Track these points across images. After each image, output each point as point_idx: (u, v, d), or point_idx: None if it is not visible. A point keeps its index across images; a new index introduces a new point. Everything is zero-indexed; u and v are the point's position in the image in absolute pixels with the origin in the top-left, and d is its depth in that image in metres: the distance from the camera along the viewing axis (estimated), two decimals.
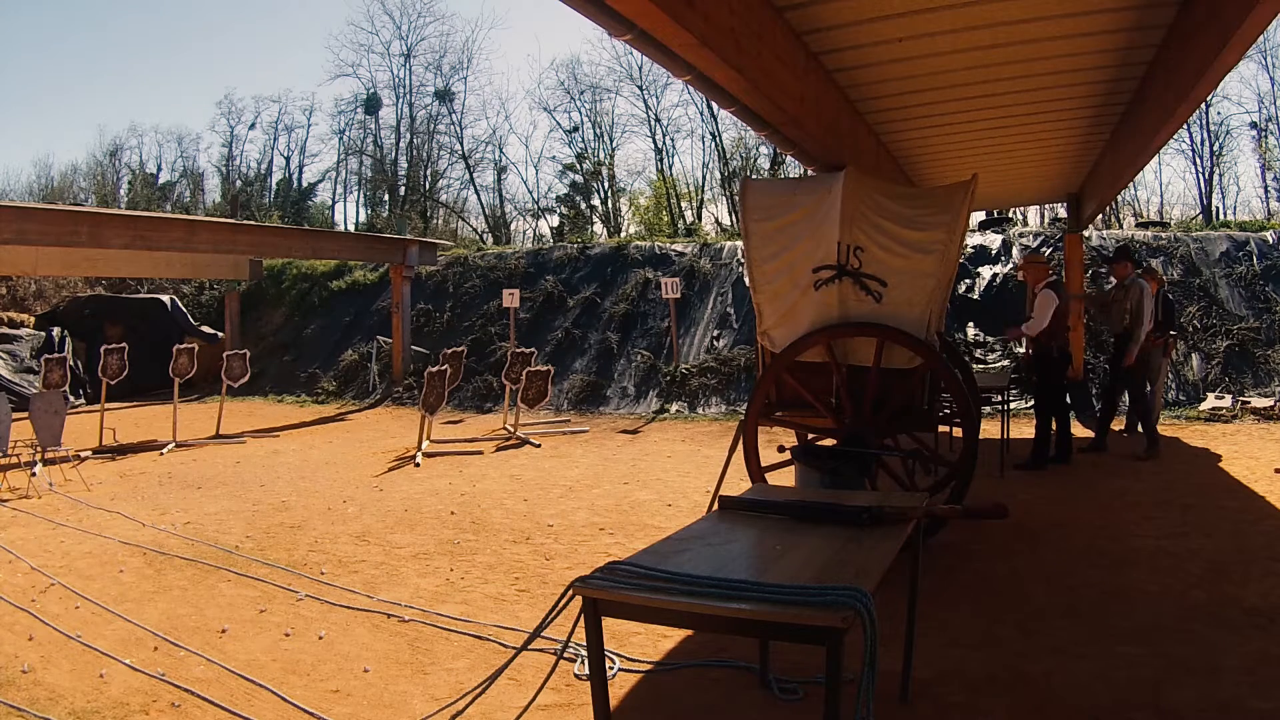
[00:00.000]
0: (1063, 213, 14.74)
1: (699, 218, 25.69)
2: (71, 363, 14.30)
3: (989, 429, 8.33)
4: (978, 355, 11.97)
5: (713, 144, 26.52)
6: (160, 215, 15.55)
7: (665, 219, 25.72)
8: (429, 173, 30.40)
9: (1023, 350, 10.92)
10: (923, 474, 6.00)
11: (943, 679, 3.39)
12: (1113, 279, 8.40)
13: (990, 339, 12.21)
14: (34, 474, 8.19)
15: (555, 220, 28.43)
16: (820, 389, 5.16)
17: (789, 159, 14.95)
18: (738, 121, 11.52)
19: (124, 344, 11.13)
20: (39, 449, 8.44)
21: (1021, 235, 14.20)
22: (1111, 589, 4.40)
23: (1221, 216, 20.31)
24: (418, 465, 8.78)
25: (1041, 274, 7.57)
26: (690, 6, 3.45)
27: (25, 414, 8.79)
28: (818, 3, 4.48)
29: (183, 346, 11.37)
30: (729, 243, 15.34)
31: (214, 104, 50.50)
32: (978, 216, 14.93)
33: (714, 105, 12.18)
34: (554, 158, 35.60)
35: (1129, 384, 7.92)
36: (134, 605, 4.56)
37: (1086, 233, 12.63)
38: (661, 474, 8.10)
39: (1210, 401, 10.32)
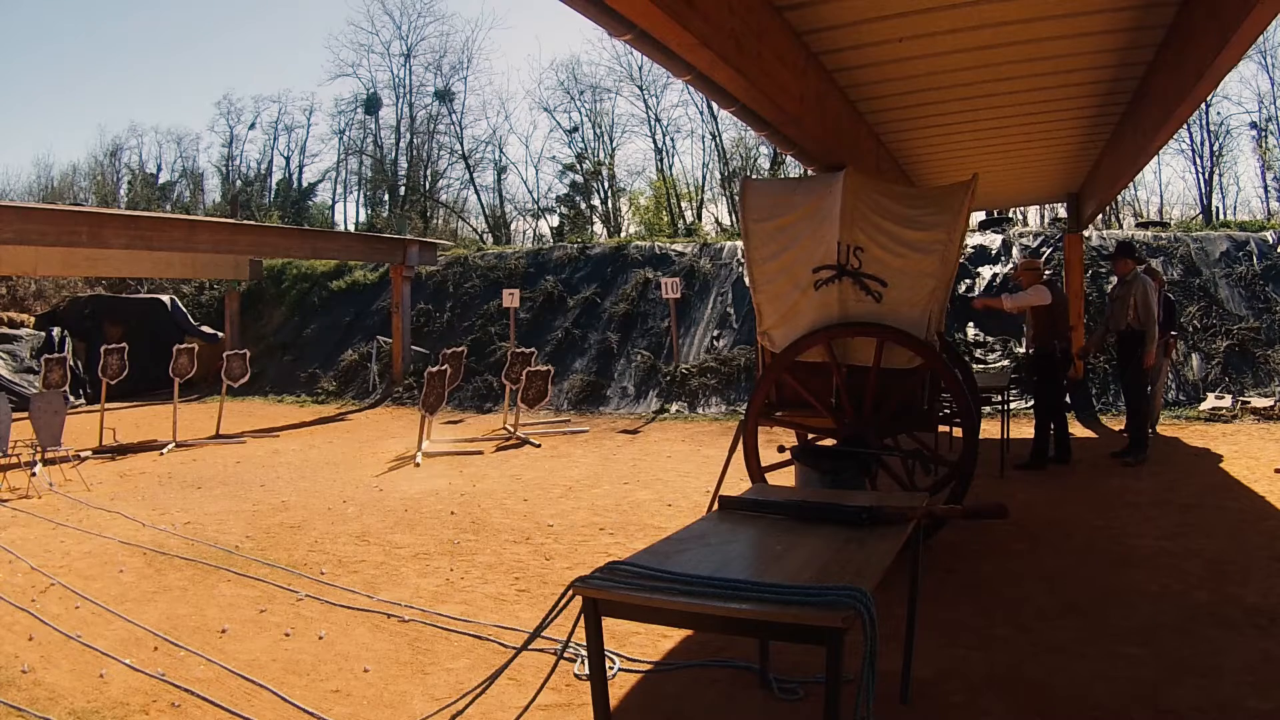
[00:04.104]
0: (1063, 213, 14.73)
1: (699, 218, 25.70)
2: (71, 363, 14.30)
3: (989, 429, 8.33)
4: (978, 355, 11.98)
5: (713, 144, 26.57)
6: (160, 215, 15.55)
7: (665, 219, 25.73)
8: (429, 173, 30.41)
9: (1023, 350, 10.93)
10: (923, 474, 6.00)
11: (943, 679, 3.39)
12: (1114, 277, 8.37)
13: (990, 339, 12.21)
14: (34, 474, 8.19)
15: (555, 220, 28.46)
16: (820, 389, 5.16)
17: (789, 159, 14.95)
18: (738, 121, 11.52)
19: (124, 344, 11.12)
20: (39, 449, 8.44)
21: (1021, 235, 14.20)
22: (1111, 589, 4.40)
23: (1221, 216, 20.31)
24: (418, 465, 8.79)
25: (1035, 278, 7.62)
26: (690, 6, 3.44)
27: (25, 414, 8.79)
28: (818, 3, 4.48)
29: (183, 346, 11.36)
30: (729, 243, 15.33)
31: (214, 104, 50.51)
32: (978, 216, 14.94)
33: (714, 105, 12.18)
34: (554, 158, 35.59)
35: (1136, 383, 7.84)
36: (134, 605, 4.56)
37: (1086, 233, 12.63)
38: (661, 474, 8.10)
39: (1210, 401, 10.32)
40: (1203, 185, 23.72)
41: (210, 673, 3.67)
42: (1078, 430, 9.53)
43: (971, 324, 12.45)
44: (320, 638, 4.06)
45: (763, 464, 5.25)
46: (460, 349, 12.24)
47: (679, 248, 15.64)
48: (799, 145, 5.66)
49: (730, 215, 24.75)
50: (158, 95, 47.51)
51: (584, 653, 3.19)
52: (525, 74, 49.75)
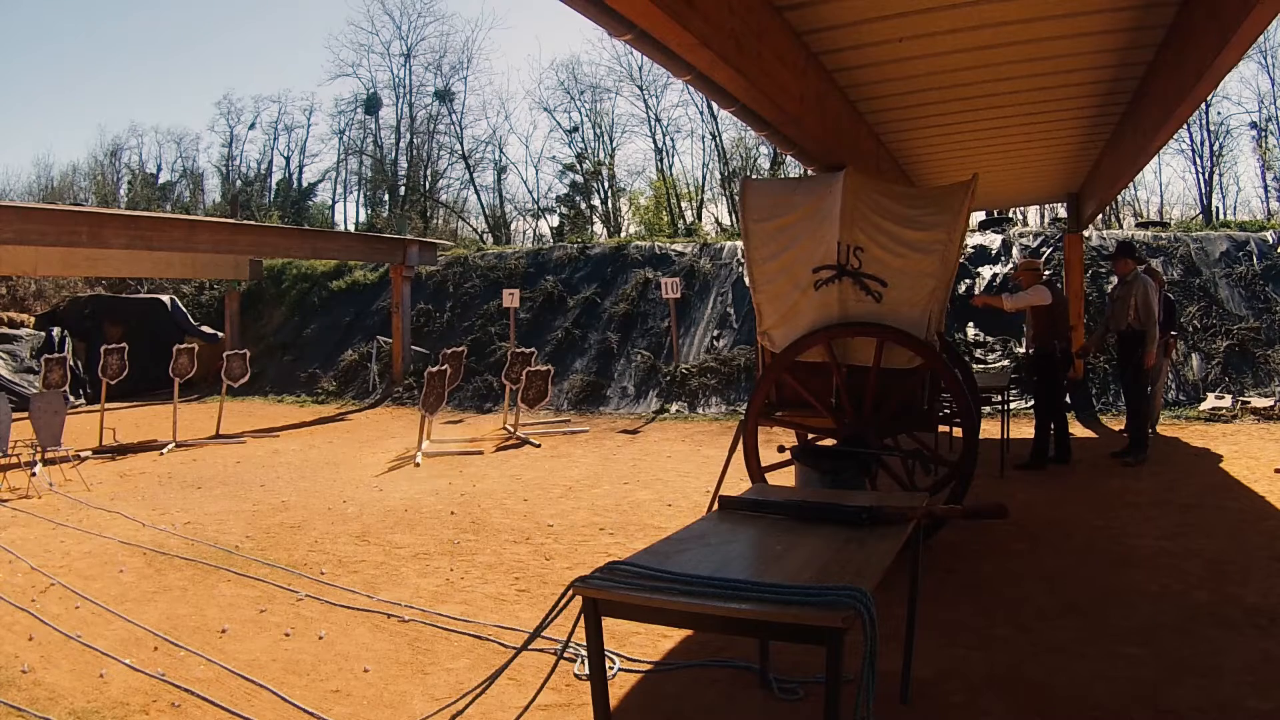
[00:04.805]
0: (1063, 213, 14.73)
1: (699, 218, 25.70)
2: (71, 363, 14.29)
3: (989, 429, 8.33)
4: (978, 355, 11.98)
5: (713, 144, 26.57)
6: (160, 215, 15.55)
7: (665, 219, 25.73)
8: (429, 173, 30.42)
9: (1023, 350, 10.93)
10: (923, 474, 6.00)
11: (943, 679, 3.39)
12: (1115, 277, 8.37)
13: (990, 339, 12.21)
14: (34, 474, 8.19)
15: (555, 220, 28.46)
16: (820, 389, 5.16)
17: (789, 159, 14.95)
18: (738, 121, 11.52)
19: (124, 344, 11.12)
20: (39, 449, 8.44)
21: (1021, 235, 14.20)
22: (1111, 589, 4.40)
23: (1221, 216, 20.32)
24: (418, 465, 8.78)
25: (1035, 278, 7.62)
26: (690, 6, 3.45)
27: (25, 414, 8.79)
28: (818, 3, 4.48)
29: (183, 346, 11.36)
30: (729, 243, 15.33)
31: (214, 104, 50.52)
32: (978, 216, 14.94)
33: (714, 105, 12.19)
34: (554, 158, 35.61)
35: (1136, 383, 7.83)
36: (134, 605, 4.56)
37: (1086, 233, 12.63)
38: (661, 474, 8.10)
39: (1210, 401, 10.32)
40: (1203, 185, 23.75)
41: (210, 673, 3.67)
42: (1078, 430, 9.53)
43: (971, 324, 12.45)
44: (320, 638, 4.06)
45: (763, 464, 5.25)
46: (460, 349, 12.24)
47: (679, 248, 15.64)
48: (799, 145, 5.66)
49: (730, 215, 24.76)
50: (158, 95, 47.56)
51: (584, 653, 3.19)
52: (525, 74, 49.87)
